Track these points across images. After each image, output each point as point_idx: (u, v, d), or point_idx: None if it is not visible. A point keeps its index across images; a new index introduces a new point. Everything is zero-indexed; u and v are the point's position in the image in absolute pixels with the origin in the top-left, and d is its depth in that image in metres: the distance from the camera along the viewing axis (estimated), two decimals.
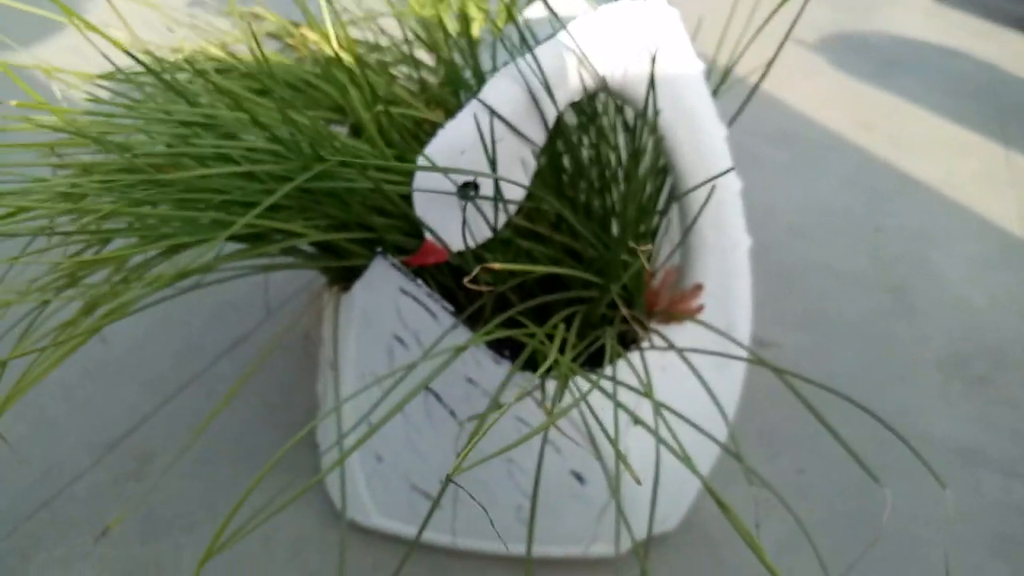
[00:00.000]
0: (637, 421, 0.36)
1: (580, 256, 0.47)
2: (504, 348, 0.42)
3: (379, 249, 0.41)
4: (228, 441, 0.62)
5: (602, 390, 0.36)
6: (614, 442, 0.34)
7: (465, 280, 0.32)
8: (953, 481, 0.64)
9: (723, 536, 0.59)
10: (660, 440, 0.34)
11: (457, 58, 0.51)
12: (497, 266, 0.30)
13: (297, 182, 0.35)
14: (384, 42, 0.59)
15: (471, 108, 0.39)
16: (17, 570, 0.52)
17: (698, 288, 0.47)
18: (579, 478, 0.48)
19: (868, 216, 1.00)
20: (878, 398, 0.72)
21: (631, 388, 0.41)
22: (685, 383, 0.45)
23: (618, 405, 0.37)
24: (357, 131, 0.50)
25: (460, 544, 0.53)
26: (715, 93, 0.46)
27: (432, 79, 0.55)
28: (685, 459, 0.31)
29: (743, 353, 0.49)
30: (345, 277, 0.45)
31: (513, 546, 0.52)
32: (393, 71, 0.55)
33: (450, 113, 0.50)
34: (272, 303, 0.75)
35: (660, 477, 0.48)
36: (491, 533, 0.52)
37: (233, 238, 0.41)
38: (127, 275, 0.41)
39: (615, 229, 0.49)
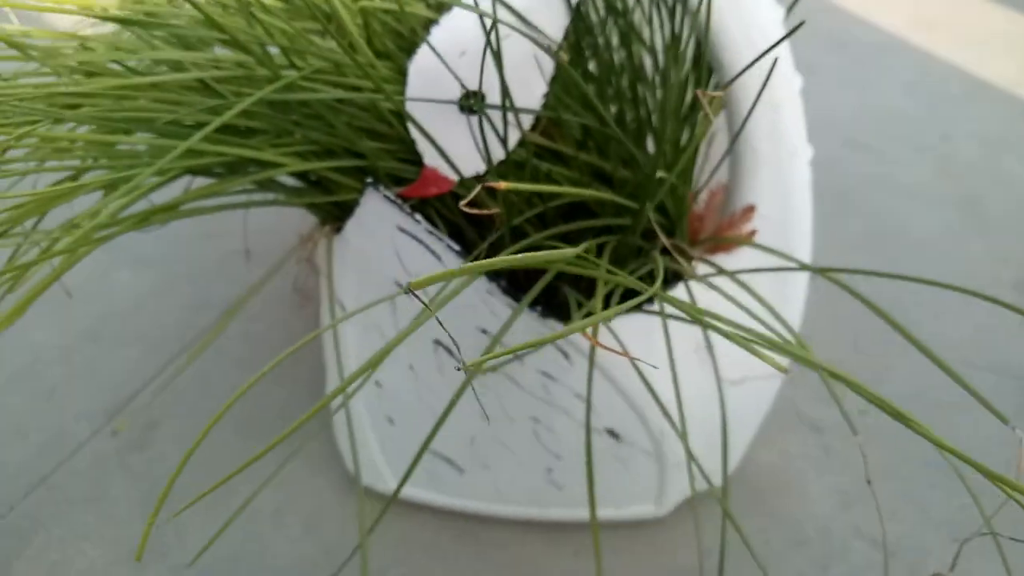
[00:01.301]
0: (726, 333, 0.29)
1: (610, 180, 0.40)
2: (521, 292, 0.36)
3: (370, 180, 0.35)
4: (236, 405, 0.57)
5: (676, 313, 0.29)
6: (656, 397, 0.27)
7: (461, 204, 0.25)
8: None
9: (776, 488, 0.53)
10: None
11: None
12: (503, 185, 0.23)
13: (261, 94, 0.29)
14: None
15: None
16: (15, 551, 0.48)
17: (750, 210, 0.40)
18: (614, 435, 0.42)
19: (933, 123, 0.90)
20: (950, 325, 0.64)
21: (681, 319, 0.34)
22: (738, 320, 0.38)
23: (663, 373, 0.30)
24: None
25: (486, 509, 0.48)
26: None
27: None
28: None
29: (804, 278, 0.42)
30: (336, 216, 0.38)
31: (546, 510, 0.47)
32: None
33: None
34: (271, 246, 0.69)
35: (708, 429, 0.42)
36: (521, 497, 0.46)
37: (201, 171, 0.35)
38: (85, 215, 0.35)
39: (651, 145, 0.41)
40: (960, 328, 0.64)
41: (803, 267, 0.37)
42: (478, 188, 0.24)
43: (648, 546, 0.49)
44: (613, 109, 0.41)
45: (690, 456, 0.35)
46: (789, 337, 0.45)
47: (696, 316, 0.30)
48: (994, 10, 1.13)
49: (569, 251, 0.24)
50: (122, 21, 0.31)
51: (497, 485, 0.46)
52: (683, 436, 0.35)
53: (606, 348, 0.23)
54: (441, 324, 0.26)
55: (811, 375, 0.59)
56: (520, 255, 0.29)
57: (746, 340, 0.25)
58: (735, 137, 0.36)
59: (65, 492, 0.52)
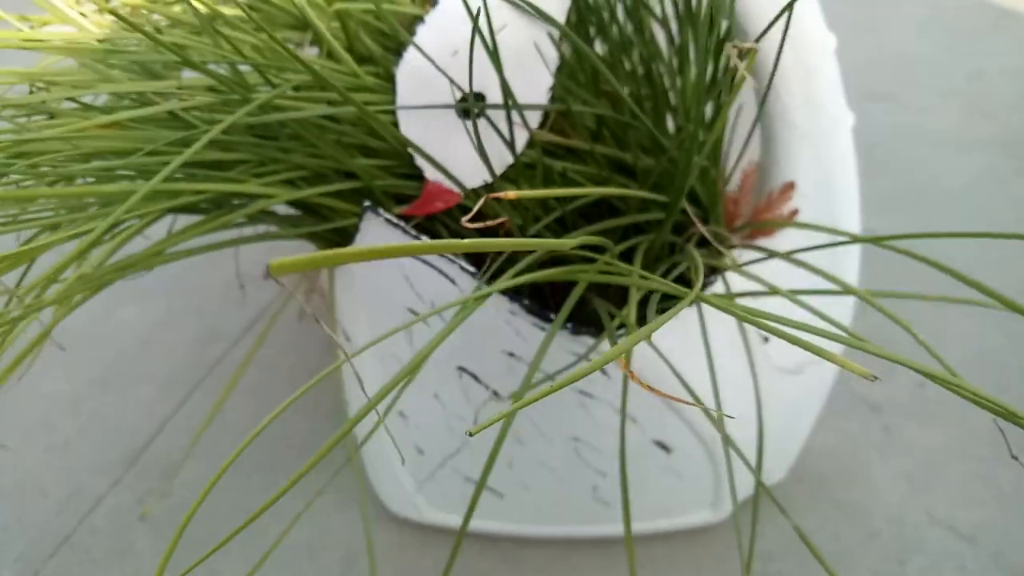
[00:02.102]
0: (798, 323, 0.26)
1: (632, 171, 0.36)
2: (549, 311, 0.32)
3: (367, 203, 0.31)
4: (258, 441, 0.55)
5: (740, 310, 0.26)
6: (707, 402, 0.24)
7: (464, 220, 0.22)
8: None
9: (839, 476, 0.49)
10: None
11: None
12: (512, 194, 0.20)
13: (233, 118, 0.25)
14: None
15: None
16: None
17: (789, 187, 0.36)
18: (664, 447, 0.38)
19: (957, 62, 0.85)
20: (1002, 277, 0.60)
21: (738, 317, 0.31)
22: (783, 309, 0.34)
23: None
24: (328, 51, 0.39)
25: (528, 531, 0.44)
26: None
27: None
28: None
29: (857, 254, 0.38)
30: (336, 242, 0.35)
31: (593, 528, 0.44)
32: None
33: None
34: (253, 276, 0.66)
35: (765, 424, 0.39)
36: (565, 517, 0.43)
37: (181, 209, 0.31)
38: (56, 269, 0.32)
39: (671, 126, 0.38)
40: (1012, 281, 0.60)
41: (855, 239, 0.33)
42: (482, 200, 0.21)
43: (707, 554, 0.45)
44: (626, 91, 0.37)
45: (744, 459, 0.31)
46: (845, 319, 0.41)
47: (743, 316, 0.26)
48: None
49: (597, 262, 0.20)
50: (69, 52, 0.27)
51: (539, 506, 0.43)
52: (726, 443, 0.31)
53: (646, 386, 0.19)
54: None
55: (861, 352, 0.55)
56: (543, 271, 0.25)
57: (798, 337, 0.21)
58: (762, 103, 0.32)
59: (88, 551, 0.49)
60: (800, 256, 0.36)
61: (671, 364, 0.32)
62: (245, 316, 0.65)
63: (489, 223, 0.22)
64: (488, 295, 0.23)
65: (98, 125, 0.27)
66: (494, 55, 0.27)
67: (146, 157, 0.27)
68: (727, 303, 0.24)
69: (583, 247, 0.32)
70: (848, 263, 0.39)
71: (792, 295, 0.30)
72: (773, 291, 0.31)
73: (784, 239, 0.37)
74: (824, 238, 0.36)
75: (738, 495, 0.44)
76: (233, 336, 0.63)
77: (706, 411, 0.31)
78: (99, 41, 0.29)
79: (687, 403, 0.21)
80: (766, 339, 0.37)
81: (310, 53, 0.40)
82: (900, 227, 0.67)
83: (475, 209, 0.20)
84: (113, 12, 0.27)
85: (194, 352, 0.62)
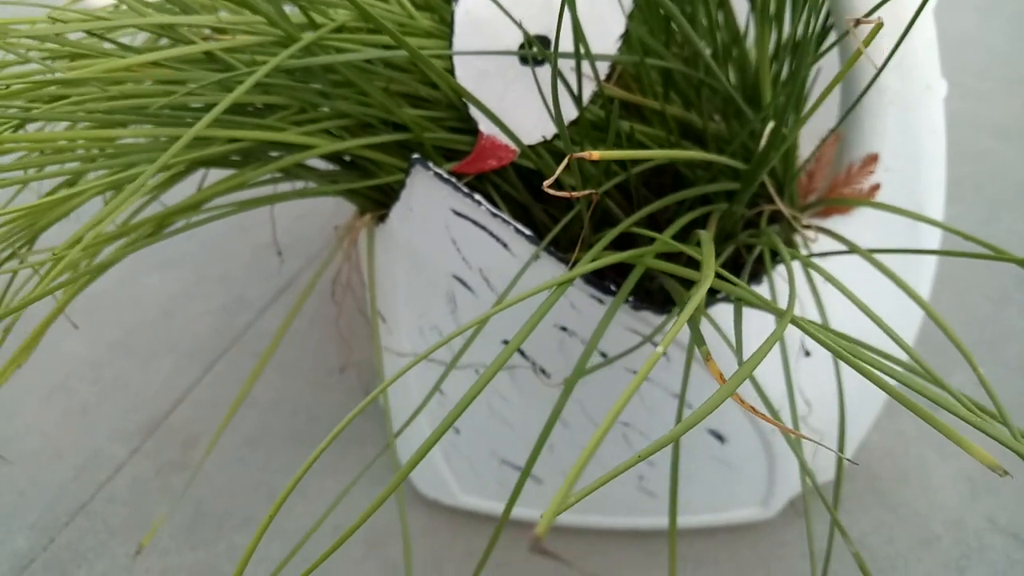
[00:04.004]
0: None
1: (701, 138, 0.33)
2: (608, 282, 0.29)
3: (416, 156, 0.29)
4: (282, 413, 0.53)
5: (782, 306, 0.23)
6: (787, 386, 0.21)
7: (546, 184, 0.19)
8: None
9: (896, 477, 0.46)
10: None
11: None
12: (597, 155, 0.17)
13: (277, 60, 0.23)
14: None
15: None
16: None
17: (872, 159, 0.33)
18: (719, 437, 0.36)
19: (1020, 51, 0.81)
20: None
21: (802, 326, 0.28)
22: (859, 291, 0.31)
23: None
24: None
25: (566, 520, 0.42)
26: None
27: None
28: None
29: (937, 238, 0.35)
30: (378, 202, 0.33)
31: (636, 519, 0.41)
32: None
33: None
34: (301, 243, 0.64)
35: (825, 417, 0.36)
36: (607, 507, 0.41)
37: (212, 162, 0.29)
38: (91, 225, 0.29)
39: (744, 89, 0.35)
40: None
41: (942, 226, 0.30)
42: (566, 162, 0.18)
43: (753, 552, 0.43)
44: (706, 49, 0.34)
45: (801, 459, 0.29)
46: (911, 335, 0.38)
47: (835, 349, 0.23)
48: None
49: (661, 240, 0.18)
50: None
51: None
52: (794, 442, 0.28)
53: (745, 404, 0.16)
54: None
55: (922, 344, 0.52)
56: (621, 253, 0.23)
57: (850, 356, 0.18)
58: (843, 70, 0.29)
59: (105, 520, 0.47)
60: (882, 243, 0.33)
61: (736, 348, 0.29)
62: (273, 285, 0.63)
63: (569, 194, 0.19)
64: (571, 279, 0.20)
65: (131, 65, 0.25)
66: None
67: (184, 97, 0.24)
68: (820, 331, 0.21)
69: (650, 215, 0.29)
70: (927, 245, 0.36)
71: (864, 306, 0.27)
72: (852, 300, 0.28)
73: (859, 219, 0.34)
74: (904, 224, 0.33)
75: (791, 491, 0.41)
76: (259, 306, 0.61)
77: (771, 411, 0.28)
78: None
79: (770, 421, 0.18)
80: (808, 353, 0.34)
81: None
82: (963, 217, 0.64)
83: (558, 172, 0.18)
84: None
85: (218, 322, 0.60)
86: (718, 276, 0.23)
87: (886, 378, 0.18)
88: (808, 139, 0.36)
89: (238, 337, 0.59)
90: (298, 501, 0.47)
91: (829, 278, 0.26)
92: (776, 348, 0.32)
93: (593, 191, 0.22)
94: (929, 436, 0.48)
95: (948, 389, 0.21)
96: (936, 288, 0.41)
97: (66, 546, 0.46)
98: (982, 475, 0.46)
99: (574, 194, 0.20)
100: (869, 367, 0.18)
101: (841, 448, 0.30)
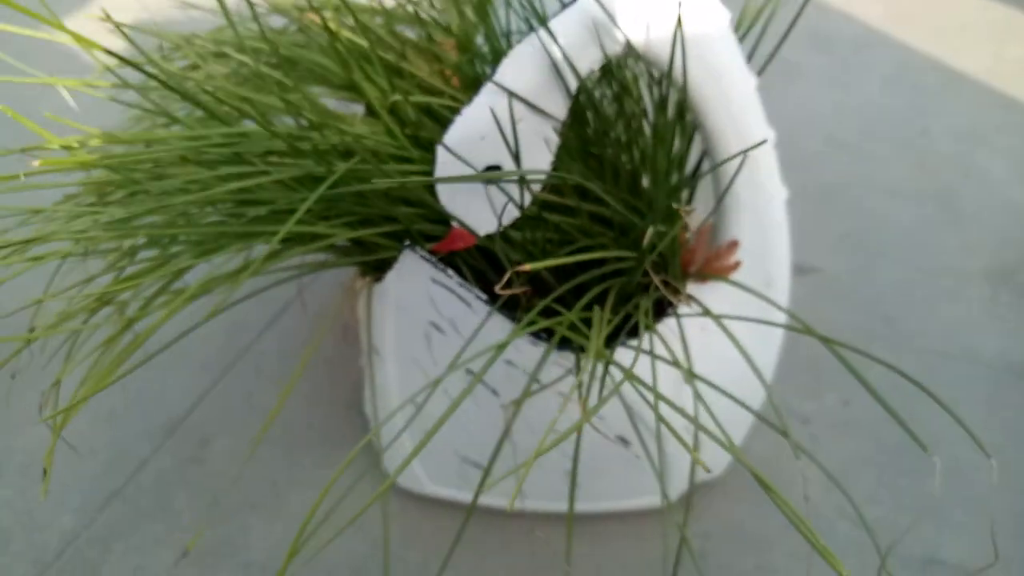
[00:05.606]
0: (669, 405, 0.36)
1: (611, 222, 0.46)
2: (541, 329, 0.42)
3: (407, 243, 0.41)
4: (280, 419, 0.64)
5: (629, 374, 0.36)
6: (656, 406, 0.33)
7: (497, 288, 0.31)
8: (1003, 400, 0.63)
9: (770, 476, 0.59)
10: (694, 421, 0.34)
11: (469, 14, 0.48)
12: (528, 267, 0.29)
13: (320, 190, 0.34)
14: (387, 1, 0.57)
15: (488, 91, 0.37)
16: (101, 558, 0.55)
17: (734, 244, 0.46)
18: (624, 441, 0.48)
19: (912, 118, 0.96)
20: (925, 316, 0.71)
21: (664, 360, 0.40)
22: (724, 341, 0.44)
23: (657, 396, 0.36)
24: (372, 109, 0.48)
25: (520, 506, 0.54)
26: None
27: (443, 37, 0.53)
28: (720, 430, 0.31)
29: (781, 313, 0.48)
30: (376, 267, 0.44)
31: (562, 504, 0.54)
32: (401, 33, 0.53)
33: (467, 80, 0.48)
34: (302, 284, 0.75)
35: (703, 427, 0.49)
36: (541, 494, 0.53)
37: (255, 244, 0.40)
38: (158, 290, 0.41)
39: (645, 183, 0.47)
40: (935, 319, 0.70)
41: (777, 324, 0.44)
42: (509, 274, 0.30)
43: (655, 530, 0.55)
44: (608, 153, 0.46)
45: (657, 467, 0.41)
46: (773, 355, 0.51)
47: (674, 362, 0.36)
48: None
49: (574, 312, 0.30)
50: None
51: (522, 485, 0.52)
52: (659, 451, 0.41)
53: (595, 428, 0.29)
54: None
55: (799, 371, 0.65)
56: (548, 320, 0.35)
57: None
58: (722, 195, 0.42)
59: (136, 505, 0.58)
60: (740, 310, 0.46)
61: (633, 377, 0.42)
62: (269, 311, 0.74)
63: (513, 291, 0.31)
64: (514, 337, 0.32)
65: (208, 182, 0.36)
66: (511, 142, 0.37)
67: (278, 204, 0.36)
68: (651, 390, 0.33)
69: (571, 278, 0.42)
70: (779, 299, 0.49)
71: (735, 341, 0.40)
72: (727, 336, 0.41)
73: (727, 286, 0.47)
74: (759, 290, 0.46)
75: (683, 485, 0.54)
76: (259, 328, 0.72)
77: (659, 415, 0.40)
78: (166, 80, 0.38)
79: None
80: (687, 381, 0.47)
81: (357, 110, 0.49)
82: (846, 265, 0.77)
83: (504, 279, 0.30)
84: (215, 98, 0.36)
85: (226, 340, 0.71)
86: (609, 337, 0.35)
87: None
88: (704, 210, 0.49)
89: (241, 354, 0.70)
90: (295, 489, 0.59)
91: (685, 323, 0.38)
92: (673, 374, 0.44)
93: (526, 289, 0.34)
94: (798, 444, 0.61)
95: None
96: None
97: (105, 525, 0.57)
98: (837, 475, 0.59)
99: (518, 291, 0.32)
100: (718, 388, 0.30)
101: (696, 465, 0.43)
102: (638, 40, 0.38)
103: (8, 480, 0.60)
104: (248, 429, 0.63)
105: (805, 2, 0.42)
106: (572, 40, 0.37)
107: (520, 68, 0.37)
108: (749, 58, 0.42)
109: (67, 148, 0.41)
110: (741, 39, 0.46)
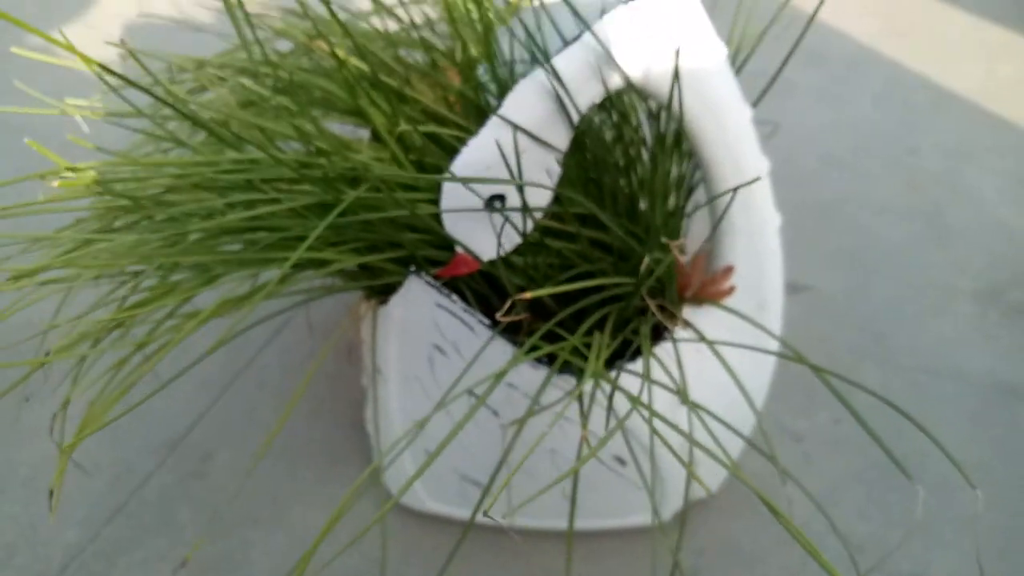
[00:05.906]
0: (667, 424, 0.37)
1: (610, 247, 0.47)
2: (544, 357, 0.43)
3: (412, 268, 0.42)
4: (282, 435, 0.65)
5: (635, 400, 0.37)
6: (652, 427, 0.35)
7: (499, 316, 0.32)
8: (990, 419, 0.65)
9: (763, 491, 0.61)
10: (690, 439, 0.35)
11: (472, 48, 0.50)
12: (528, 295, 0.30)
13: (330, 218, 0.35)
14: (392, 26, 0.58)
15: (493, 124, 0.38)
16: (104, 573, 0.55)
17: (729, 270, 0.47)
18: (620, 461, 0.49)
19: (902, 136, 0.97)
20: (915, 334, 0.72)
21: (662, 386, 0.42)
22: (719, 365, 0.45)
23: (653, 414, 0.37)
24: (378, 135, 0.49)
25: (508, 522, 0.55)
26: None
27: (446, 64, 0.54)
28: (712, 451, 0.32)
29: (775, 336, 0.50)
30: (381, 291, 0.46)
31: (560, 522, 0.55)
32: (405, 59, 0.54)
33: (470, 108, 0.49)
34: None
35: (701, 446, 0.50)
36: (539, 512, 0.54)
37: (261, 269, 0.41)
38: (167, 314, 0.42)
39: (643, 205, 0.49)
40: (925, 337, 0.72)
41: (769, 352, 0.45)
42: (509, 303, 0.32)
43: (648, 548, 0.56)
44: (607, 179, 0.48)
45: (650, 486, 0.42)
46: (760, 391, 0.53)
47: (671, 387, 0.37)
48: (963, 16, 1.20)
49: (575, 339, 0.31)
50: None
51: (519, 502, 0.53)
52: (653, 469, 0.42)
53: (596, 456, 0.30)
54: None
55: (793, 390, 0.67)
56: (547, 347, 0.36)
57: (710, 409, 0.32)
58: (717, 221, 0.43)
59: (139, 519, 0.59)
60: (737, 328, 0.47)
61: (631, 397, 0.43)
62: (269, 327, 0.75)
63: (514, 317, 0.32)
64: (516, 364, 0.33)
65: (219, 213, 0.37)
66: (515, 172, 0.38)
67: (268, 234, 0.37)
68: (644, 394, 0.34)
69: (571, 301, 0.43)
70: (772, 323, 0.50)
71: (725, 364, 0.41)
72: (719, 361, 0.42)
73: (719, 311, 0.48)
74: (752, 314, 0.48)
75: (678, 504, 0.55)
76: (259, 344, 0.73)
77: (657, 433, 0.41)
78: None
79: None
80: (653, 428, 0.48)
81: (362, 135, 0.50)
82: (838, 282, 0.79)
83: (505, 307, 0.31)
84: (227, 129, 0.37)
85: (226, 357, 0.72)
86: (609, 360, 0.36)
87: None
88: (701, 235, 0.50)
89: (243, 369, 0.71)
90: (297, 504, 0.60)
91: (681, 346, 0.40)
92: (669, 394, 0.46)
93: (526, 316, 0.35)
94: (791, 462, 0.63)
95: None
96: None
97: (109, 539, 0.58)
98: (828, 492, 0.60)
99: (517, 317, 0.33)
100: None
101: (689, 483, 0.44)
102: (637, 75, 0.39)
103: (12, 494, 0.61)
104: (250, 444, 0.64)
105: (806, 26, 0.44)
106: (574, 76, 0.38)
107: (524, 103, 0.38)
108: (746, 72, 0.43)
109: (74, 171, 0.42)
110: (735, 56, 0.47)
